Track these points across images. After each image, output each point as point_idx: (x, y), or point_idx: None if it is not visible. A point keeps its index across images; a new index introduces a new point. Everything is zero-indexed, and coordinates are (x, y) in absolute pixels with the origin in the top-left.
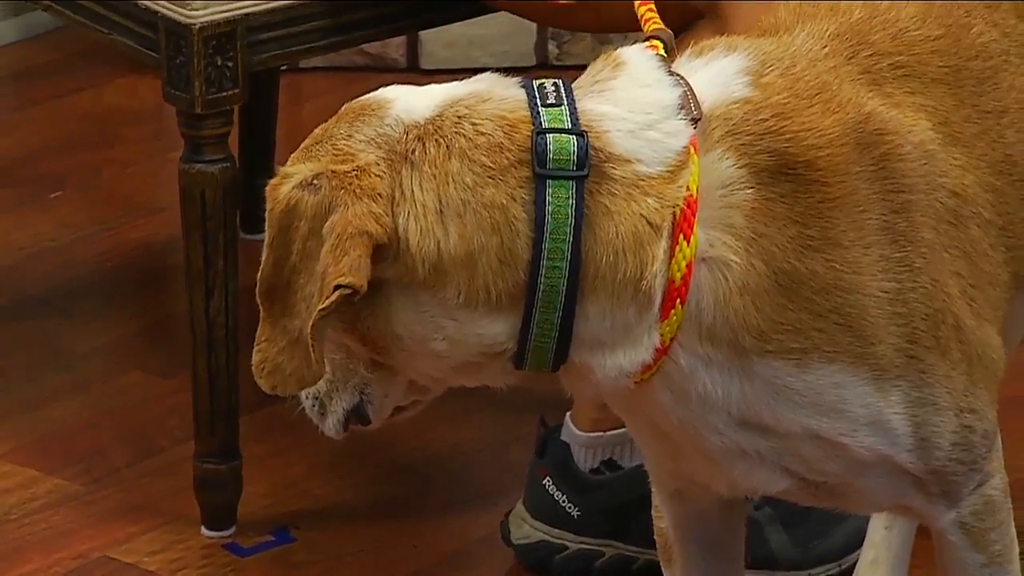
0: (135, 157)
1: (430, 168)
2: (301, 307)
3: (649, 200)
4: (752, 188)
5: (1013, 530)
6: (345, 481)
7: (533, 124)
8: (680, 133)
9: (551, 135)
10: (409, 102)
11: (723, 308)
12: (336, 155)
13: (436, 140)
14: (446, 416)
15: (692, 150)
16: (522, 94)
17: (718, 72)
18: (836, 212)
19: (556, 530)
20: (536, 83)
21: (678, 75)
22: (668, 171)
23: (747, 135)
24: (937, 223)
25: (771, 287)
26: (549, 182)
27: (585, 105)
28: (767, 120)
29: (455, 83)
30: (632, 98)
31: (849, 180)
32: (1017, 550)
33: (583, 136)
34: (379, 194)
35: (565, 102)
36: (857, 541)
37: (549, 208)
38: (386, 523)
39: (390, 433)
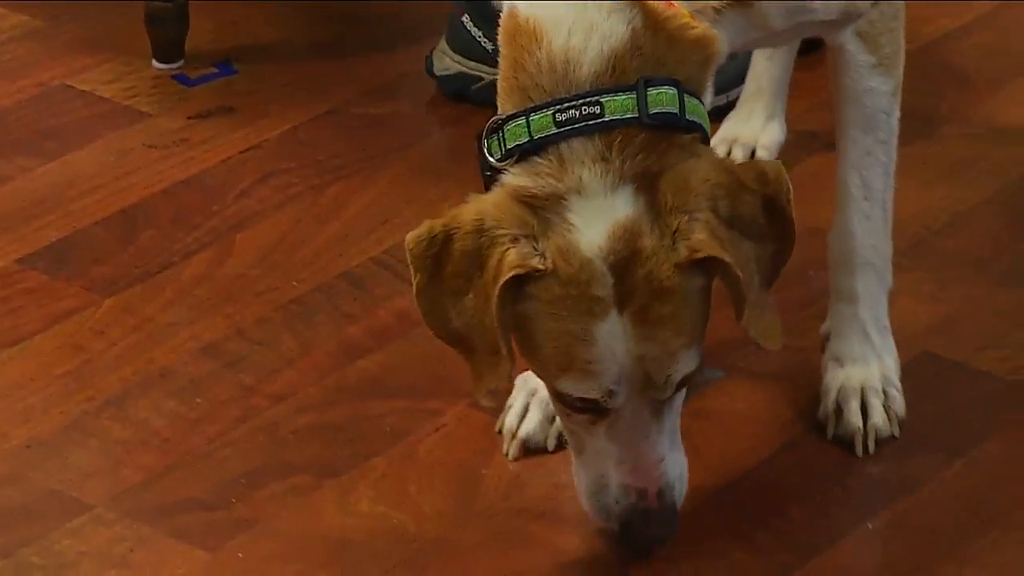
0: None
1: None
2: None
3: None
4: None
5: (903, 39)
6: (284, 20)
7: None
8: None
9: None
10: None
11: None
12: None
13: None
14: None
15: None
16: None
17: None
18: None
19: (473, 63)
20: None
21: None
22: None
23: None
24: None
25: None
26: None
27: None
28: None
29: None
30: None
31: None
32: (903, 58)
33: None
34: None
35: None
36: (741, 75)
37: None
38: (320, 58)
39: None
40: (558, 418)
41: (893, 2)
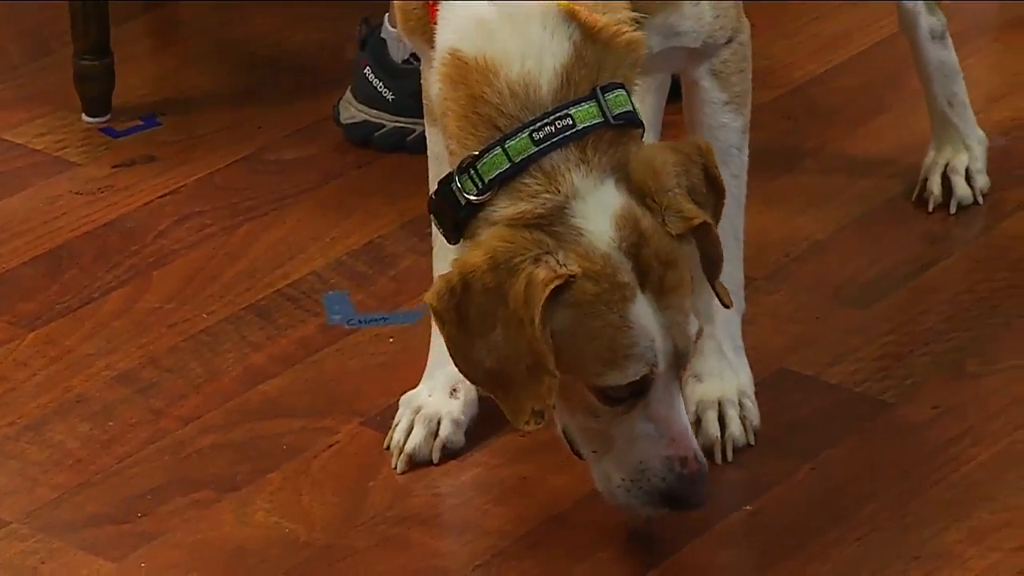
0: None
1: None
2: None
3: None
4: None
5: (750, 79)
6: (207, 75)
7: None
8: None
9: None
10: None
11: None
12: None
13: None
14: (298, 18)
15: None
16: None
17: None
18: None
19: (375, 111)
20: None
21: None
22: None
23: None
24: None
25: None
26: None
27: None
28: None
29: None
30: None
31: None
32: (751, 98)
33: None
34: None
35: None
36: None
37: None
38: (238, 109)
39: (253, 28)
40: (562, 427)
41: (743, 46)
